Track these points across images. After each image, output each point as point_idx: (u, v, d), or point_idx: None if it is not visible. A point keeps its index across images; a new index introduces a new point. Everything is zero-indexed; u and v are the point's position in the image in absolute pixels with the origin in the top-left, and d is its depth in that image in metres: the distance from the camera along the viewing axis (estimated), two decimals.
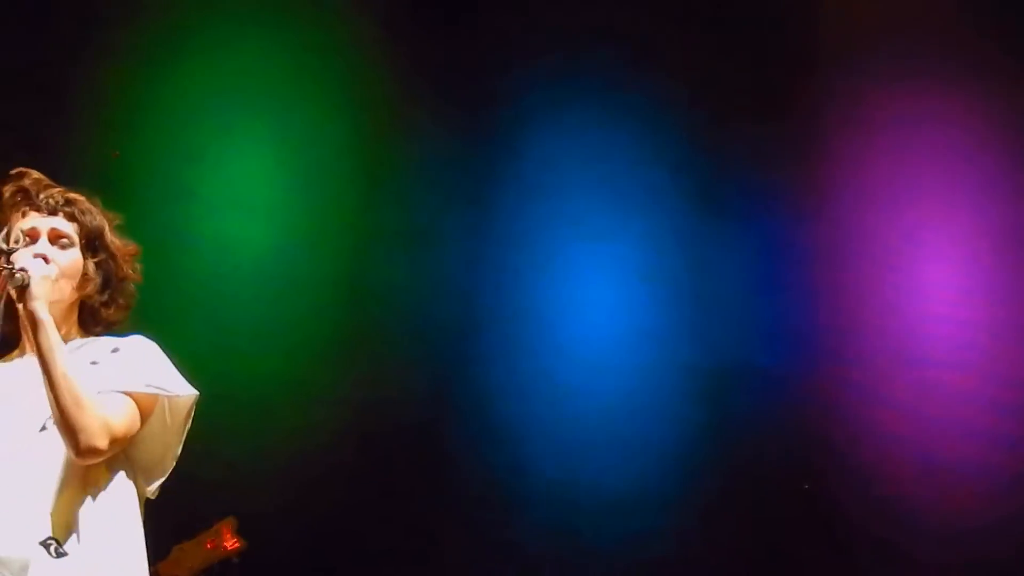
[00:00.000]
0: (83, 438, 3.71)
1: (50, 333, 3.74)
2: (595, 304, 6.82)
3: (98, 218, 4.03)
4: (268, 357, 6.50)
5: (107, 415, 3.77)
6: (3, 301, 3.76)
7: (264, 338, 6.49)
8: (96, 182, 4.13)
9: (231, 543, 5.71)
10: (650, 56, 6.70)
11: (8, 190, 4.00)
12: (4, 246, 3.72)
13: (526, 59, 6.76)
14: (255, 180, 6.74)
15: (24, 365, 3.95)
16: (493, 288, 6.86)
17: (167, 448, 3.99)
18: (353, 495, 6.60)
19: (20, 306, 3.81)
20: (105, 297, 4.02)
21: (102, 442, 3.74)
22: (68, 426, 3.71)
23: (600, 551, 6.52)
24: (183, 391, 3.94)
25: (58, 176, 4.08)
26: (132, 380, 3.88)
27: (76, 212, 3.98)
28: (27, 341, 3.99)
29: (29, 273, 3.74)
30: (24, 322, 3.88)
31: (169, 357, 4.02)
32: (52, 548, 3.69)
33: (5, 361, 4.02)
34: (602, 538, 6.49)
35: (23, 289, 3.73)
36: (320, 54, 6.75)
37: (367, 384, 6.75)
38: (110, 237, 4.04)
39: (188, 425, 4.00)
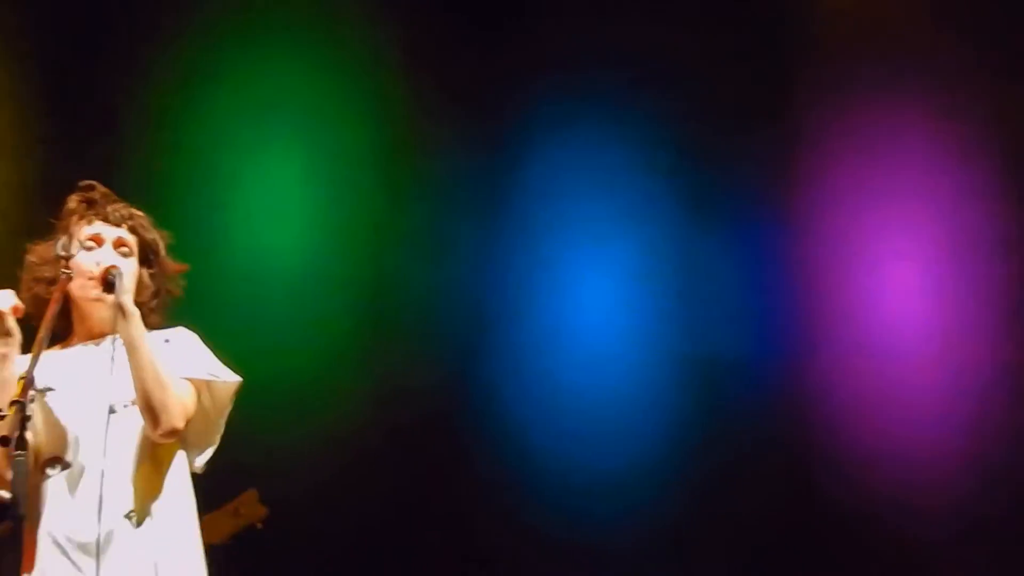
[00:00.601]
0: (165, 418, 3.97)
1: (138, 323, 4.01)
2: (595, 302, 7.05)
3: (155, 234, 4.31)
4: (299, 352, 6.72)
5: (183, 398, 4.08)
6: (59, 301, 3.96)
7: (295, 335, 6.71)
8: (143, 195, 4.39)
9: (255, 511, 5.96)
10: (647, 75, 6.89)
11: (76, 199, 4.27)
12: (63, 252, 3.98)
13: (533, 78, 6.95)
14: (286, 192, 6.99)
15: (81, 353, 4.18)
16: (501, 289, 7.08)
17: (213, 427, 4.24)
18: (376, 477, 6.79)
19: (110, 298, 4.04)
20: (153, 304, 4.28)
21: (180, 422, 4.02)
22: (153, 406, 3.98)
23: (600, 528, 6.69)
24: (231, 378, 4.21)
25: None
26: (194, 368, 4.16)
27: (137, 226, 4.26)
28: (84, 331, 4.23)
29: (120, 269, 4.05)
30: (90, 315, 4.18)
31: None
32: (133, 519, 3.96)
33: (60, 349, 4.20)
34: (601, 516, 6.69)
35: (113, 285, 4.01)
36: (345, 75, 6.97)
37: (388, 376, 6.96)
38: (163, 253, 4.33)
39: (230, 407, 4.26)
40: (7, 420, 3.59)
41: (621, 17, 6.89)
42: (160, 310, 4.33)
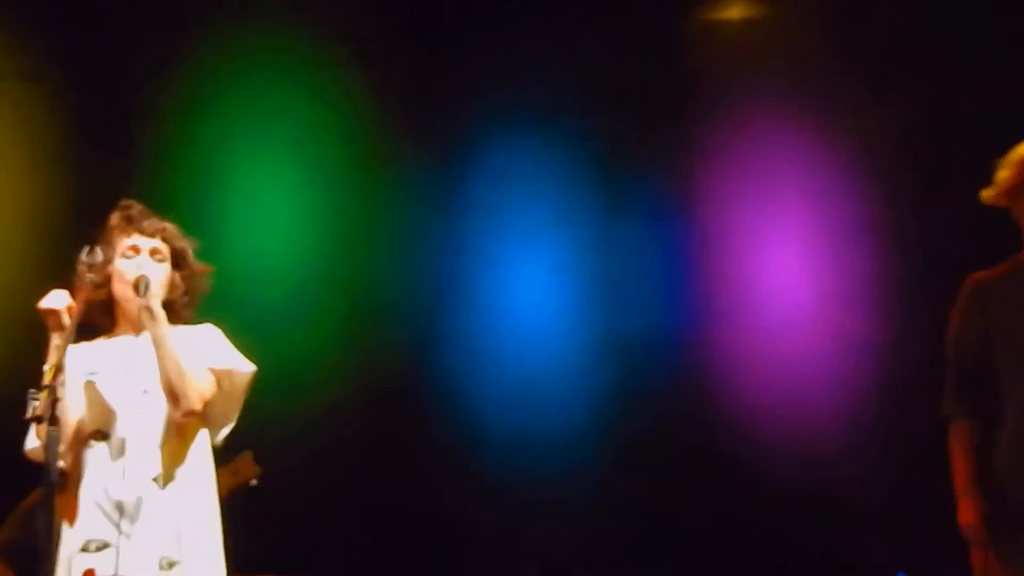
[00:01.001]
0: (184, 402, 4.33)
1: (163, 323, 4.35)
2: (530, 291, 7.45)
3: (184, 242, 4.63)
4: (290, 339, 6.91)
5: (200, 385, 4.39)
6: (84, 301, 4.22)
7: (286, 325, 6.94)
8: (154, 208, 4.61)
9: (251, 469, 5.99)
10: (570, 97, 7.28)
11: (118, 216, 4.58)
12: (86, 260, 4.24)
13: (476, 103, 7.28)
14: (276, 203, 7.27)
15: (122, 344, 4.50)
16: (454, 281, 7.45)
17: (232, 409, 4.56)
18: (354, 442, 7.15)
19: (140, 301, 4.33)
20: (186, 300, 4.62)
21: (198, 405, 4.35)
22: (174, 391, 4.32)
23: (540, 481, 7.03)
24: (246, 368, 4.54)
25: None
26: (213, 358, 4.48)
27: (169, 236, 4.58)
28: (126, 327, 4.50)
29: (148, 277, 4.39)
30: (126, 314, 4.48)
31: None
32: (159, 481, 4.30)
33: (105, 340, 4.54)
34: (541, 471, 7.04)
35: (146, 289, 4.35)
36: (323, 103, 7.26)
37: (362, 357, 7.28)
38: (191, 258, 4.64)
39: (247, 392, 4.55)
40: (41, 402, 3.79)
41: (548, 49, 7.17)
42: (192, 305, 4.65)
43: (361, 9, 7.11)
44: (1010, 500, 4.31)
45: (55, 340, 4.21)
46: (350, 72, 7.25)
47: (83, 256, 4.30)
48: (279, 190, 7.30)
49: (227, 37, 7.09)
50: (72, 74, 6.99)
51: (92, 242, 4.45)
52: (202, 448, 4.50)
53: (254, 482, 6.05)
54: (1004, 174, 4.54)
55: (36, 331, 4.29)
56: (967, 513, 4.38)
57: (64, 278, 4.39)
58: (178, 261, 4.61)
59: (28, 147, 7.01)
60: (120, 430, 4.32)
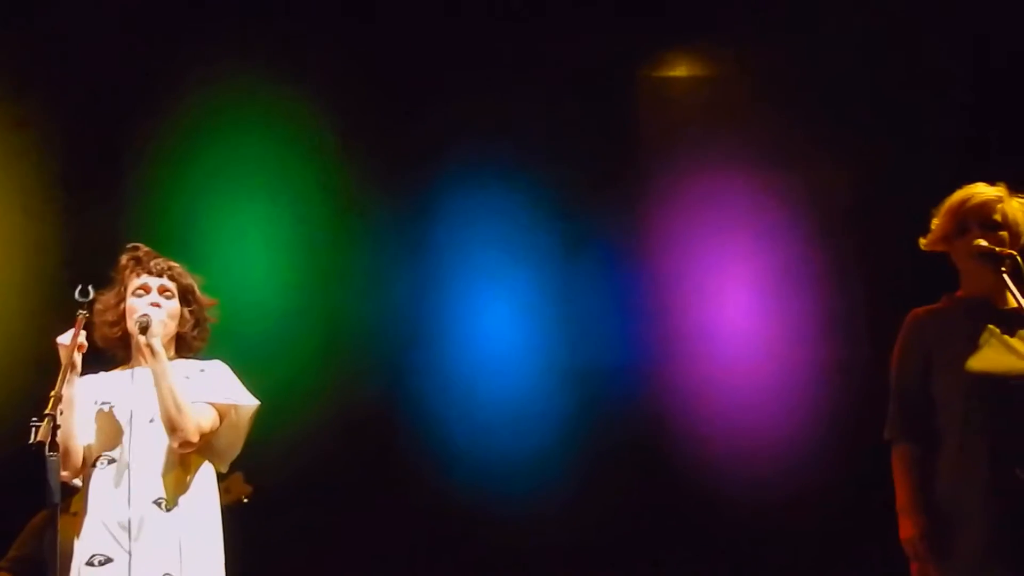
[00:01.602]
0: (180, 435, 4.37)
1: (163, 360, 4.42)
2: (496, 326, 7.42)
3: (190, 279, 4.71)
4: (272, 369, 6.55)
5: (199, 419, 4.42)
6: (77, 334, 4.24)
7: (268, 355, 6.77)
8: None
9: (242, 488, 5.98)
10: (531, 150, 7.29)
11: (127, 257, 4.65)
12: (80, 299, 4.30)
13: (444, 153, 7.27)
14: (255, 245, 7.21)
15: (135, 374, 4.56)
16: (425, 317, 7.40)
17: (236, 440, 4.63)
18: (331, 467, 7.04)
19: (142, 339, 4.41)
20: (195, 333, 4.70)
21: (194, 438, 4.38)
22: (171, 426, 4.37)
23: (505, 502, 6.97)
24: (249, 402, 4.62)
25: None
26: (216, 393, 4.55)
27: (175, 274, 4.66)
28: (140, 360, 4.53)
29: (150, 317, 4.46)
30: (140, 349, 4.50)
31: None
32: (163, 505, 4.34)
33: (120, 371, 4.62)
34: (506, 493, 6.99)
35: (146, 328, 4.43)
36: (299, 155, 7.25)
37: (340, 386, 7.18)
38: (198, 293, 4.73)
39: (251, 424, 4.63)
40: (42, 428, 3.84)
41: (510, 104, 7.23)
42: (203, 337, 4.75)
43: (335, 66, 7.11)
44: (949, 518, 4.35)
45: (62, 373, 4.21)
46: (325, 123, 7.23)
47: (77, 294, 4.32)
48: (259, 234, 7.27)
49: (210, 90, 7.06)
50: (61, 122, 6.94)
51: (108, 282, 4.62)
52: (206, 475, 4.54)
53: (245, 500, 6.03)
54: (937, 223, 4.64)
55: (35, 364, 4.46)
56: (907, 529, 4.40)
57: (66, 315, 4.37)
58: (186, 296, 4.68)
59: (20, 193, 6.96)
60: (126, 455, 4.37)
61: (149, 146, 7.10)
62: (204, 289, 4.79)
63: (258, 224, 7.26)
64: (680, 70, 7.55)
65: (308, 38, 7.03)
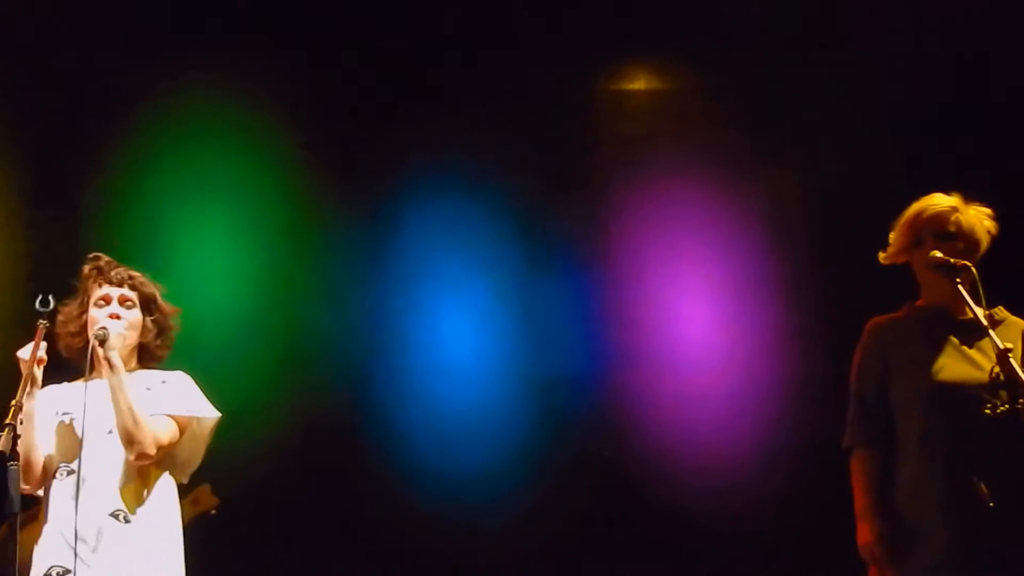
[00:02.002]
0: (137, 448, 4.35)
1: (120, 373, 4.39)
2: (458, 335, 7.40)
3: (151, 288, 4.67)
4: (233, 380, 6.39)
5: (156, 431, 4.39)
6: (37, 345, 4.23)
7: (230, 364, 6.72)
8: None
9: (209, 500, 6.12)
10: (493, 159, 7.24)
11: (88, 267, 4.63)
12: (40, 308, 4.29)
13: (405, 164, 7.27)
14: (217, 256, 7.18)
15: (95, 386, 4.48)
16: (386, 327, 7.39)
17: (196, 452, 4.62)
18: (295, 475, 7.07)
19: (100, 351, 4.39)
20: (159, 342, 4.67)
21: (151, 451, 4.36)
22: (128, 439, 4.35)
23: (468, 506, 6.99)
24: (210, 414, 4.60)
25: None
26: (176, 405, 4.52)
27: (136, 283, 4.63)
28: (98, 371, 4.50)
29: (107, 331, 4.43)
30: (98, 360, 4.47)
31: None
32: (121, 517, 4.31)
33: (82, 381, 4.52)
34: (469, 498, 6.99)
35: (103, 341, 4.40)
36: (260, 166, 7.20)
37: (303, 396, 7.20)
38: (160, 301, 4.69)
39: (212, 436, 4.62)
40: (3, 438, 3.88)
41: (471, 116, 7.21)
42: (167, 345, 4.71)
43: (295, 78, 7.08)
44: (908, 524, 4.41)
45: (23, 384, 4.22)
46: (285, 135, 7.19)
47: (37, 304, 4.32)
48: (219, 245, 7.24)
49: (170, 102, 7.04)
50: (24, 135, 6.91)
51: (67, 292, 4.62)
52: (165, 486, 4.52)
53: (213, 512, 6.15)
54: (894, 236, 4.70)
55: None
56: (865, 535, 4.45)
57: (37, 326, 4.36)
58: (148, 306, 4.65)
59: None
60: (85, 465, 4.32)
61: (110, 158, 7.07)
62: (165, 299, 4.76)
63: (216, 235, 7.22)
64: (640, 83, 7.55)
65: (269, 50, 6.98)
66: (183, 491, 4.73)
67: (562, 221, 7.37)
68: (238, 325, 7.16)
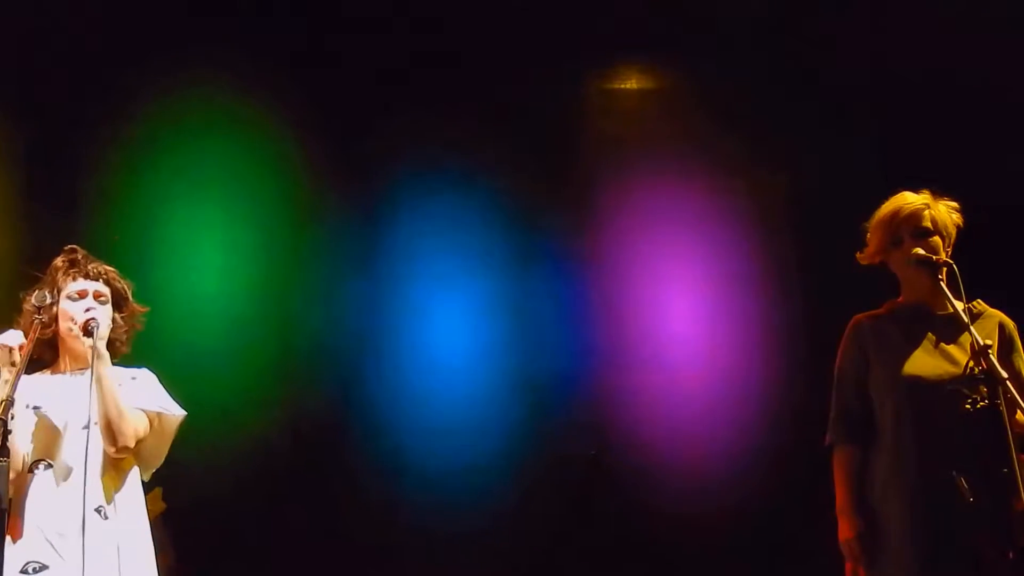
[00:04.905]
0: (121, 439, 4.31)
1: (107, 363, 4.37)
2: (448, 334, 7.41)
3: (123, 284, 4.64)
4: (224, 375, 6.86)
5: (135, 424, 4.37)
6: (33, 339, 4.20)
7: (221, 361, 6.86)
8: (101, 258, 4.61)
9: (157, 506, 5.95)
10: (484, 161, 7.26)
11: (62, 259, 4.57)
12: (37, 303, 4.33)
13: (400, 165, 7.28)
14: (212, 253, 7.20)
15: (65, 380, 4.48)
16: (378, 325, 7.39)
17: (161, 448, 4.53)
18: (283, 471, 7.08)
19: (88, 342, 4.32)
20: (124, 338, 4.63)
21: (131, 443, 4.34)
22: (111, 429, 4.31)
23: (455, 503, 6.99)
24: (177, 412, 4.54)
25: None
26: (148, 401, 4.48)
27: (111, 279, 4.60)
28: (67, 363, 4.50)
29: (97, 320, 4.37)
30: (70, 352, 4.48)
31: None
32: (102, 512, 4.26)
33: (49, 374, 4.51)
34: (456, 495, 7.00)
35: (92, 332, 4.34)
36: (257, 165, 7.19)
37: (293, 393, 7.21)
38: (131, 299, 4.66)
39: (174, 434, 4.52)
40: None
41: (463, 115, 7.18)
42: (129, 341, 4.65)
43: (292, 75, 7.07)
44: (881, 519, 4.41)
45: (4, 375, 4.16)
46: (279, 135, 7.16)
47: (33, 299, 4.37)
48: (214, 242, 7.23)
49: (168, 99, 6.98)
50: (19, 130, 6.79)
51: (40, 285, 4.51)
52: (136, 482, 4.48)
53: (160, 518, 6.01)
54: (871, 237, 4.71)
55: None
56: (845, 531, 4.46)
57: (15, 318, 4.43)
58: (119, 302, 4.63)
59: None
60: (63, 460, 4.28)
61: (107, 154, 7.01)
62: (149, 298, 4.75)
63: (211, 232, 7.21)
64: (630, 82, 7.55)
65: (266, 48, 6.94)
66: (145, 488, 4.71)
67: (553, 219, 7.38)
68: (232, 322, 7.15)
